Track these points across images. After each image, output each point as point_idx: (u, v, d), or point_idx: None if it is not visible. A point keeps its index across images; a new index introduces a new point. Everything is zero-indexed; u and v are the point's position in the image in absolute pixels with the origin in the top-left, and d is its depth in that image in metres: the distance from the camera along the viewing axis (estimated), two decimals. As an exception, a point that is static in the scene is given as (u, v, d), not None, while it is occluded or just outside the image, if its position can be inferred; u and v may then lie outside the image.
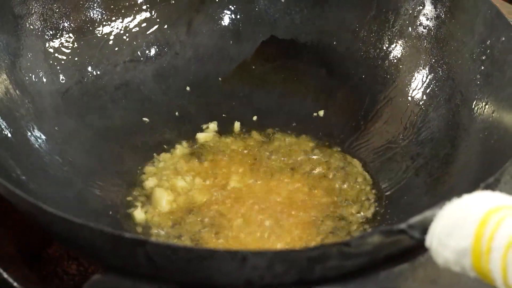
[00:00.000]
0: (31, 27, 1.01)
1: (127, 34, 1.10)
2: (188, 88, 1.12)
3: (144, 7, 1.11)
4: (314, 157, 1.05)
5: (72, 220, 0.70)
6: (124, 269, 0.74)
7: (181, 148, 1.06)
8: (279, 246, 0.91)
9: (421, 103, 1.04)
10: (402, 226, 0.67)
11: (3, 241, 0.92)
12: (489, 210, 0.63)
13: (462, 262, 0.63)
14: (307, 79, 1.12)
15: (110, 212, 0.96)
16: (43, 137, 0.98)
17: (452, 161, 0.96)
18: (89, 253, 0.80)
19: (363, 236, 0.68)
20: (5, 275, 0.85)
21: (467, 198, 0.65)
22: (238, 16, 1.15)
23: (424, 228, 0.66)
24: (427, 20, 1.05)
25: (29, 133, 0.96)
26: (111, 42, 1.09)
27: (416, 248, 0.71)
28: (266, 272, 0.68)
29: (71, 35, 1.06)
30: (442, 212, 0.65)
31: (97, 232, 0.69)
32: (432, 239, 0.65)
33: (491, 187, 0.74)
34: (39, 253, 0.98)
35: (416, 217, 0.67)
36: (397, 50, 1.08)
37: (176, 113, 1.09)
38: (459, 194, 0.66)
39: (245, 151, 1.06)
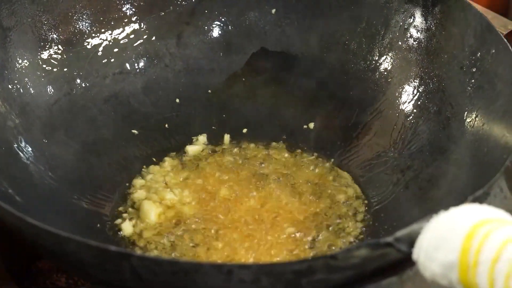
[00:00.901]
0: (20, 39, 1.01)
1: (116, 46, 1.10)
2: (177, 100, 1.11)
3: (134, 19, 1.11)
4: (304, 169, 1.04)
5: (57, 233, 0.69)
6: (111, 283, 0.73)
7: (170, 161, 1.05)
8: (267, 259, 0.91)
9: (411, 115, 1.03)
10: (389, 239, 0.67)
11: (-10, 254, 0.92)
12: (476, 223, 0.63)
13: (449, 275, 0.63)
14: (297, 92, 1.12)
15: (98, 225, 0.96)
16: (31, 149, 0.97)
17: (442, 174, 0.95)
18: (76, 267, 0.79)
19: (350, 249, 0.68)
20: (-9, 288, 0.84)
21: (454, 211, 0.65)
22: (228, 28, 1.14)
23: (411, 241, 0.66)
24: (417, 32, 1.05)
25: (17, 146, 0.96)
26: (100, 54, 1.08)
27: (403, 262, 0.71)
28: (252, 285, 0.67)
29: (60, 46, 1.05)
30: (429, 225, 0.65)
31: (83, 245, 0.69)
32: (419, 252, 0.65)
33: (480, 200, 0.73)
34: (28, 266, 0.97)
35: (403, 230, 0.67)
36: (387, 63, 1.08)
37: (166, 125, 1.09)
38: (448, 207, 0.66)
39: (235, 164, 1.05)
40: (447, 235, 0.63)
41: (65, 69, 1.05)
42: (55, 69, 1.04)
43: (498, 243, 0.60)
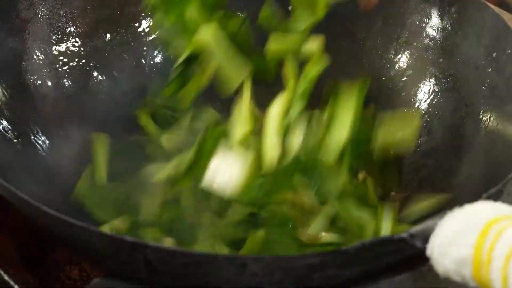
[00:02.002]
0: (38, 31, 1.02)
1: (133, 40, 1.10)
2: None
3: (150, 13, 1.11)
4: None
5: (73, 222, 0.70)
6: (124, 273, 0.74)
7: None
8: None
9: (426, 114, 1.04)
10: (403, 235, 0.67)
11: (5, 244, 0.92)
12: (490, 220, 0.63)
13: (463, 271, 0.63)
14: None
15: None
16: (47, 141, 0.98)
17: (456, 173, 0.95)
18: (90, 257, 0.80)
19: (364, 244, 0.68)
20: (6, 277, 0.85)
21: (468, 208, 0.65)
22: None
23: (425, 237, 0.66)
24: (433, 31, 1.05)
25: (33, 137, 0.96)
26: (117, 48, 1.09)
27: (417, 258, 0.71)
28: (264, 279, 0.68)
29: (77, 39, 1.06)
30: (443, 222, 0.65)
31: (98, 235, 0.69)
32: (433, 249, 0.65)
33: (494, 198, 0.73)
34: (41, 258, 0.98)
35: (417, 226, 0.67)
36: (403, 61, 1.08)
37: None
38: (461, 205, 0.66)
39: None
40: (461, 231, 0.63)
41: (82, 62, 1.06)
42: (72, 62, 1.05)
43: (512, 240, 0.61)
